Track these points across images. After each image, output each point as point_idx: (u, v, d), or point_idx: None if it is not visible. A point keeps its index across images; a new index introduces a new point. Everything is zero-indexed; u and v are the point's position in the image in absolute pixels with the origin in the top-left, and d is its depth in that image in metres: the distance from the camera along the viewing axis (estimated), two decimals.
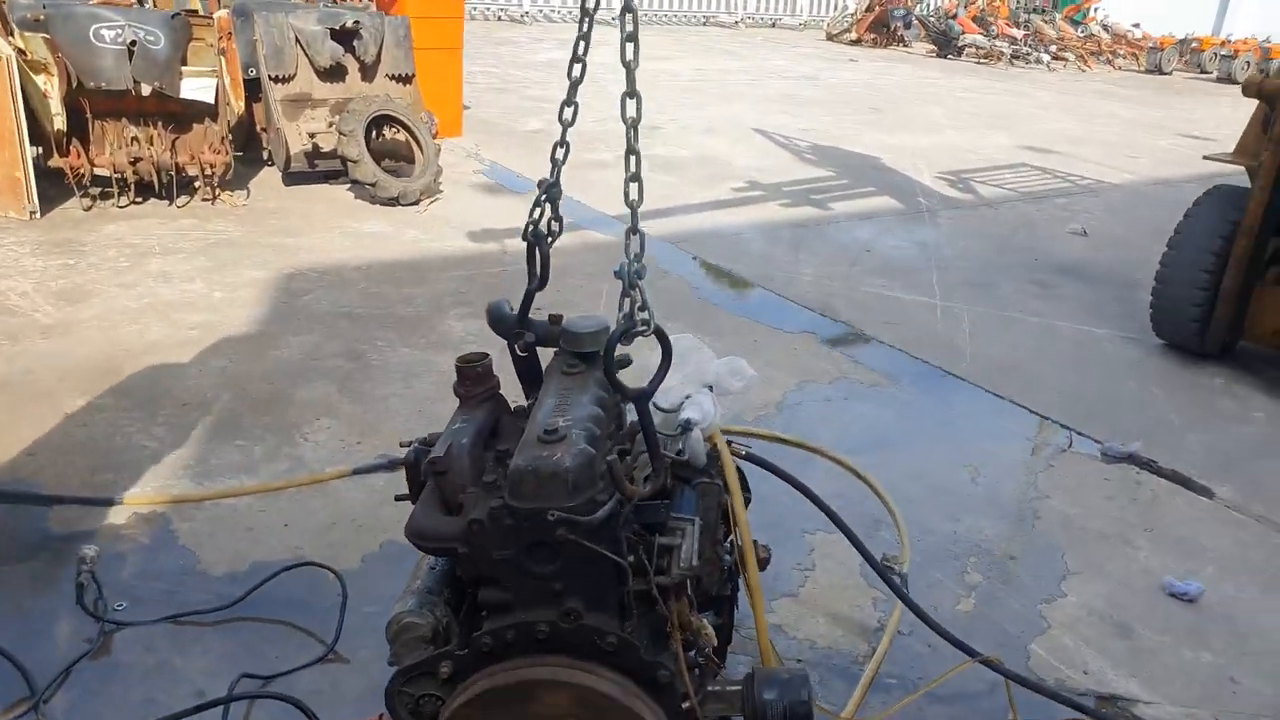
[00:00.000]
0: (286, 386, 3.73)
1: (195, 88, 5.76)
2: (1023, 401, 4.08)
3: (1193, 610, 2.80)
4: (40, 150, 5.48)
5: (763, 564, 1.86)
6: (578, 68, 1.59)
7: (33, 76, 5.22)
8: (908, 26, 21.68)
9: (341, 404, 3.62)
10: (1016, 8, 22.36)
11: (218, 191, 5.99)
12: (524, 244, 1.73)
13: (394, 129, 6.42)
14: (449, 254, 5.42)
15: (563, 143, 1.65)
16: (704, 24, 23.44)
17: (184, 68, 5.76)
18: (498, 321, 1.86)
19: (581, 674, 1.47)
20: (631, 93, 1.46)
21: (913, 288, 5.44)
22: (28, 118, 5.17)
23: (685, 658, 1.54)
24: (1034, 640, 2.61)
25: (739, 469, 1.88)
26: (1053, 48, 21.01)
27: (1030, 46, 20.70)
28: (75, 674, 2.25)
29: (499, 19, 20.15)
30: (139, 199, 5.83)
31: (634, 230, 1.45)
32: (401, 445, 1.83)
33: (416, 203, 6.25)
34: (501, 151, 8.05)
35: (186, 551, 2.72)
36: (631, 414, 1.60)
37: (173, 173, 5.75)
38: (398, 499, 1.83)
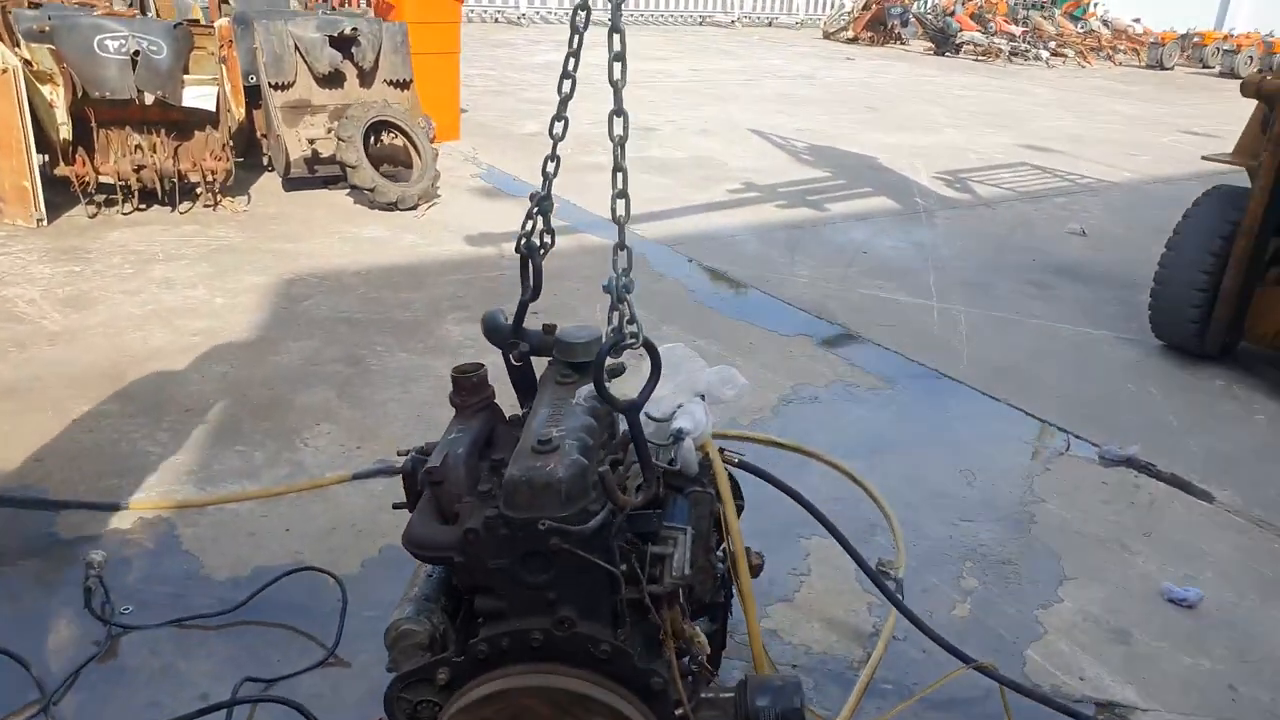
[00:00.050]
0: (286, 392, 3.76)
1: (197, 96, 5.81)
2: (1020, 404, 4.07)
3: (1191, 616, 2.78)
4: (46, 159, 5.52)
5: (756, 570, 1.88)
6: (568, 84, 1.63)
7: (39, 87, 5.27)
8: (905, 24, 21.66)
9: (341, 409, 3.65)
10: (1015, 4, 22.23)
11: (219, 197, 6.03)
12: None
13: (392, 134, 6.44)
14: (446, 258, 5.45)
15: (553, 157, 1.67)
16: (700, 23, 23.47)
17: (186, 76, 5.80)
18: (493, 331, 1.90)
19: (574, 681, 1.49)
20: (618, 110, 1.49)
21: (909, 289, 5.44)
22: (34, 127, 5.23)
23: (678, 665, 1.56)
24: (1030, 646, 2.60)
25: (732, 476, 1.91)
26: (1052, 44, 20.95)
27: (1029, 43, 20.65)
28: (83, 676, 2.29)
29: (496, 21, 20.19)
30: (143, 206, 5.87)
31: (621, 245, 1.48)
32: (399, 454, 1.86)
33: (414, 207, 6.28)
34: (499, 155, 8.06)
35: (190, 556, 2.75)
36: (624, 424, 1.63)
37: (175, 179, 5.80)
38: (395, 507, 1.87)
